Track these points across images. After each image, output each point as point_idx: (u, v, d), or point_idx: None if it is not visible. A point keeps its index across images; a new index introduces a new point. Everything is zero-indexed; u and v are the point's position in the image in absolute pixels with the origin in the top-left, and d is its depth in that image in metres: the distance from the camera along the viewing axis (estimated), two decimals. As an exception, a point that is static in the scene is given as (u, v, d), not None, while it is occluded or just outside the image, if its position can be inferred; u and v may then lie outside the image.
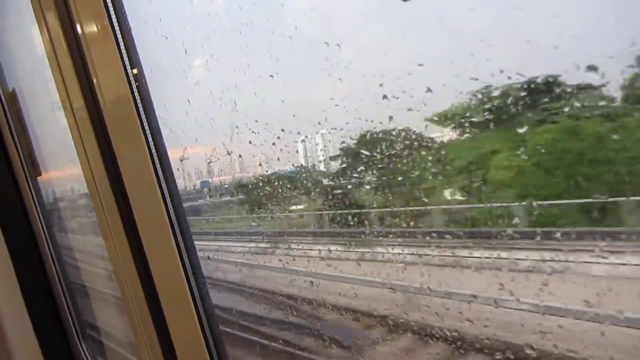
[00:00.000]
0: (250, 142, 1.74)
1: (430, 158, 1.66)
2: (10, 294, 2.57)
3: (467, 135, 1.69)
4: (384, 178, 1.93)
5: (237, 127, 1.75)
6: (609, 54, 1.08)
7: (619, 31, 1.10)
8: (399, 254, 1.79)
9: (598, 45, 1.11)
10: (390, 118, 1.38)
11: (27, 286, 2.62)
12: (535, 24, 1.24)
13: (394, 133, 1.58)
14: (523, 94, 1.24)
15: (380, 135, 1.57)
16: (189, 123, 1.79)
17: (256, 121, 1.68)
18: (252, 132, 1.69)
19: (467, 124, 1.55)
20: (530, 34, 1.22)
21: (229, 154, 2.11)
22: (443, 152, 1.70)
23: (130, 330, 1.88)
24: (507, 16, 1.33)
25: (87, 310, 2.87)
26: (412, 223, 1.82)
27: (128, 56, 1.50)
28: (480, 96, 1.35)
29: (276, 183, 2.31)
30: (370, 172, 1.97)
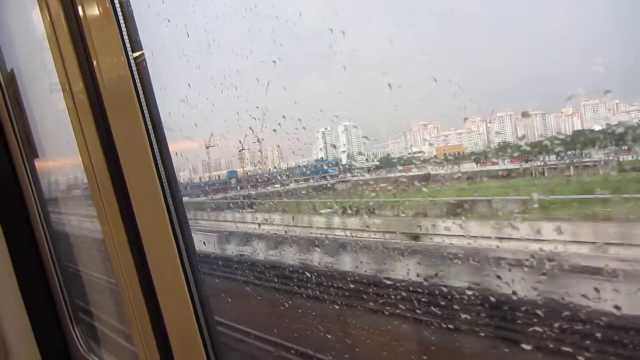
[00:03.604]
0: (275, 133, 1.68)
1: None
2: (4, 277, 2.56)
3: None
4: None
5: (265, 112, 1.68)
6: (613, 47, 1.07)
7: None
8: None
9: (602, 38, 1.10)
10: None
11: (21, 269, 2.60)
12: (539, 16, 1.23)
13: None
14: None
15: None
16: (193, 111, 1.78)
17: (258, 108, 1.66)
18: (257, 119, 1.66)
19: None
20: (535, 25, 1.21)
21: (259, 141, 2.02)
22: None
23: (124, 316, 1.87)
24: (513, 8, 1.32)
25: (80, 294, 2.86)
26: None
27: (129, 39, 1.48)
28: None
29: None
30: None
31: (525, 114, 1.61)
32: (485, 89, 1.36)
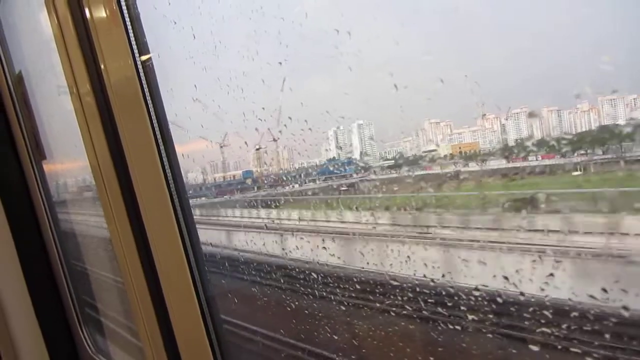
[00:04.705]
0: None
1: None
2: (12, 277, 2.58)
3: None
4: None
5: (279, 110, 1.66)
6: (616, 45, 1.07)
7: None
8: None
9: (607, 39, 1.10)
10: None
11: (29, 269, 2.63)
12: (541, 15, 1.23)
13: None
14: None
15: None
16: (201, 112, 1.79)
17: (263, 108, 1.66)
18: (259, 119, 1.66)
19: None
20: (540, 25, 1.21)
21: (275, 140, 1.99)
22: None
23: (131, 315, 1.88)
24: (517, 6, 1.32)
25: (88, 294, 2.88)
26: None
27: (136, 42, 1.49)
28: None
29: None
30: None
31: (532, 114, 1.60)
32: (492, 87, 1.36)
